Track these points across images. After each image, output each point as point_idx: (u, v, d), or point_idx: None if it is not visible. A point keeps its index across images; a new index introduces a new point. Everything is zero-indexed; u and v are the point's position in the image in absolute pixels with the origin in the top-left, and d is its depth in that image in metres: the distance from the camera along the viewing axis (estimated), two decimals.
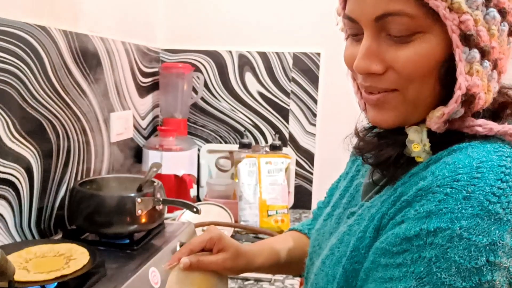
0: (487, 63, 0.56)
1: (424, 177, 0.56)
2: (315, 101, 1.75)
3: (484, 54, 0.55)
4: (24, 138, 1.04)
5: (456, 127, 0.60)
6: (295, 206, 1.77)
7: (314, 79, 1.74)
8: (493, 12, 0.54)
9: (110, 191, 1.15)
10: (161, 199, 1.07)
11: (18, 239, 1.04)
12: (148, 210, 1.06)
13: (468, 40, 0.54)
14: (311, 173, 1.79)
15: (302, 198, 1.79)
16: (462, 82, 0.55)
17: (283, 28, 1.74)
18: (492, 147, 0.55)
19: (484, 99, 0.57)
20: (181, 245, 1.10)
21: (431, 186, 0.54)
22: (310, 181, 1.80)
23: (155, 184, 1.10)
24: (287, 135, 1.78)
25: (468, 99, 0.56)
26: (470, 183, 0.52)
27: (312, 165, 1.79)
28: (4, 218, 1.00)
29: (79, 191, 1.07)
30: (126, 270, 0.94)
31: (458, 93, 0.56)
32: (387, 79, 0.59)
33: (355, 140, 0.73)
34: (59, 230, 1.17)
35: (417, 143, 0.60)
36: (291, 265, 0.90)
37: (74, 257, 0.89)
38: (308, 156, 1.79)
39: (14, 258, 0.87)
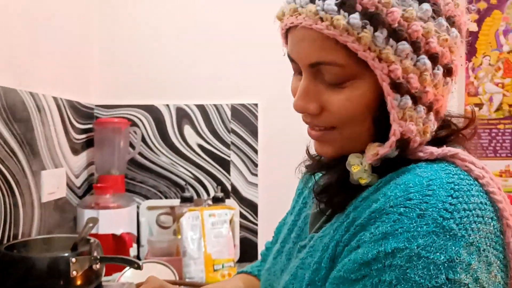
0: (421, 108, 0.58)
1: (376, 200, 0.56)
2: (256, 151, 1.76)
3: (416, 99, 0.57)
4: None
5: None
6: (242, 259, 1.71)
7: (253, 130, 1.75)
8: (424, 59, 0.56)
9: (40, 253, 1.06)
10: (98, 257, 0.99)
11: None
12: (84, 270, 0.98)
13: (398, 87, 0.56)
14: (256, 224, 1.76)
15: (248, 251, 1.74)
16: (396, 128, 0.57)
17: (220, 81, 1.76)
18: (439, 166, 0.57)
19: (420, 141, 0.59)
20: None
21: (384, 207, 0.54)
22: (255, 232, 1.76)
23: (92, 241, 1.03)
24: (229, 187, 1.75)
25: (403, 143, 0.58)
26: (423, 200, 0.52)
27: (256, 216, 1.76)
28: None
29: (6, 254, 0.97)
30: None
31: (393, 139, 0.58)
32: (323, 119, 0.62)
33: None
34: None
35: (356, 164, 0.61)
36: None
37: None
38: (252, 207, 1.76)
39: None
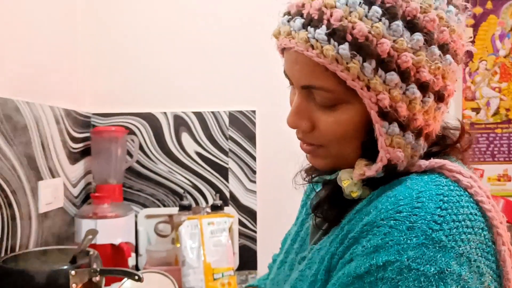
0: (409, 134, 0.58)
1: (368, 212, 0.57)
2: (254, 158, 1.75)
3: (405, 127, 0.58)
4: None
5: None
6: (241, 267, 1.71)
7: (251, 137, 1.75)
8: (413, 88, 0.56)
9: (39, 266, 1.04)
10: (98, 270, 0.98)
11: None
12: (83, 283, 0.96)
13: (386, 115, 0.57)
14: (255, 231, 1.75)
15: (247, 259, 1.73)
16: (383, 155, 0.58)
17: (217, 88, 1.75)
18: (430, 178, 0.57)
19: (406, 164, 0.60)
20: None
21: (376, 220, 0.54)
22: (254, 240, 1.75)
23: (91, 253, 1.02)
24: (227, 194, 1.74)
25: (389, 167, 0.59)
26: (412, 213, 0.53)
27: (255, 223, 1.75)
28: None
29: (3, 268, 0.96)
30: None
31: (379, 165, 0.59)
32: (313, 137, 0.63)
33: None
34: None
35: (346, 179, 0.62)
36: None
37: None
38: (250, 214, 1.75)
39: None
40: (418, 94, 0.56)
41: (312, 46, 0.56)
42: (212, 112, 1.73)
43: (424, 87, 0.57)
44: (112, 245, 1.47)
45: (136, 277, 0.93)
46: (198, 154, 1.73)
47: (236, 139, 1.74)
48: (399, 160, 0.58)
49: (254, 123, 1.74)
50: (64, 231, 1.46)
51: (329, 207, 0.66)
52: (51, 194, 1.38)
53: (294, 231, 0.80)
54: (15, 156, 1.19)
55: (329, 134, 0.61)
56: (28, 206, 1.25)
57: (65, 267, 0.96)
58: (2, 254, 1.13)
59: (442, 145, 0.64)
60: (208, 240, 1.48)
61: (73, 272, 0.95)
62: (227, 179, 1.74)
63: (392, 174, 0.59)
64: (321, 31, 0.55)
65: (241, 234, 1.73)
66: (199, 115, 1.73)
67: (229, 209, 1.72)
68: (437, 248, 0.50)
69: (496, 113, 1.96)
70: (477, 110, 1.96)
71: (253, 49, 1.73)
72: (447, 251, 0.50)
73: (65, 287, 0.94)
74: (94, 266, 0.99)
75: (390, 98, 0.55)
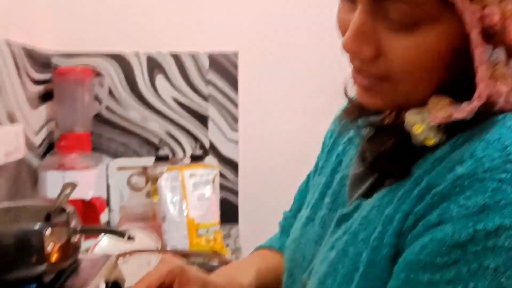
0: None
1: (459, 161, 0.44)
2: (236, 105, 1.61)
3: (510, 53, 0.45)
4: None
5: None
6: (221, 221, 1.60)
7: (233, 81, 1.60)
8: None
9: (5, 225, 0.89)
10: (78, 229, 0.84)
11: None
12: (60, 244, 0.82)
13: (490, 38, 0.44)
14: (236, 184, 1.64)
15: (227, 212, 1.62)
16: (483, 91, 0.45)
17: (196, 26, 1.57)
18: None
19: (504, 101, 0.47)
20: (106, 283, 0.89)
21: (476, 172, 0.42)
22: (235, 193, 1.64)
23: (68, 210, 0.87)
24: (207, 144, 1.61)
25: (485, 107, 0.46)
26: None
27: (237, 175, 1.64)
28: None
29: None
30: None
31: (476, 104, 0.45)
32: (378, 66, 0.48)
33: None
34: None
35: (419, 123, 0.49)
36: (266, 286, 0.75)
37: None
38: (232, 165, 1.63)
39: None
40: None
41: None
42: (191, 54, 1.56)
43: None
44: (83, 201, 1.32)
45: (127, 237, 0.80)
46: (175, 100, 1.58)
47: (217, 84, 1.59)
48: (501, 96, 0.45)
49: (236, 66, 1.59)
50: (27, 186, 1.30)
51: (394, 161, 0.52)
52: (10, 143, 1.20)
53: (320, 182, 0.67)
54: None
55: (402, 63, 0.47)
56: None
57: (39, 225, 0.81)
58: None
59: None
60: (190, 193, 1.36)
61: (48, 232, 0.80)
62: (206, 128, 1.60)
63: (482, 115, 0.47)
64: None
65: (221, 187, 1.62)
66: (176, 57, 1.56)
67: (209, 160, 1.59)
68: None
69: None
70: None
71: None
72: None
73: (39, 248, 0.80)
74: (73, 224, 0.85)
75: (501, 13, 0.42)
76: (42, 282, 0.81)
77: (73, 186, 0.85)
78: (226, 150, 1.62)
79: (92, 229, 0.85)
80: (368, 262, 0.49)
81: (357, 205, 0.56)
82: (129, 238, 0.80)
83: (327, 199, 0.64)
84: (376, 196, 0.53)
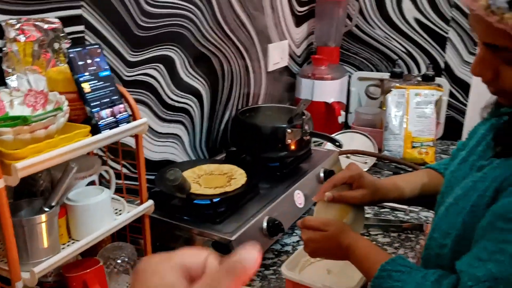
0: None
1: None
2: None
3: None
4: (196, 72, 1.23)
5: None
6: (444, 137, 1.76)
7: None
8: None
9: (265, 120, 1.31)
10: (308, 132, 1.19)
11: (192, 156, 1.28)
12: (296, 139, 1.19)
13: None
14: (465, 105, 1.74)
15: (452, 130, 1.75)
16: None
17: None
18: None
19: None
20: (324, 172, 1.23)
21: None
22: (462, 113, 1.75)
23: (304, 117, 1.22)
24: (442, 65, 1.73)
25: None
26: None
27: (467, 97, 1.73)
28: (182, 139, 1.23)
29: (240, 120, 1.25)
30: (275, 191, 1.10)
31: None
32: (496, 85, 0.67)
33: None
34: (223, 149, 1.38)
35: None
36: (424, 199, 0.95)
37: (235, 177, 1.08)
38: (463, 87, 1.72)
39: (188, 174, 1.09)
40: None
41: (493, 12, 0.58)
42: None
43: None
44: (326, 103, 1.67)
45: (337, 144, 1.11)
46: (417, 21, 1.71)
47: (462, 7, 1.64)
48: None
49: None
50: (287, 86, 1.72)
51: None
52: (278, 55, 1.61)
53: (482, 131, 0.83)
54: (250, 24, 1.41)
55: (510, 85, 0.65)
56: (259, 64, 1.50)
57: (284, 125, 1.19)
58: (240, 105, 1.44)
59: None
60: (412, 110, 1.56)
61: (289, 130, 1.18)
62: (444, 49, 1.71)
63: None
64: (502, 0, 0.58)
65: (450, 106, 1.74)
66: None
67: (441, 80, 1.72)
68: None
69: None
70: None
71: None
72: None
73: (282, 140, 1.18)
74: (306, 128, 1.20)
75: None
76: (282, 162, 1.22)
77: (307, 102, 1.19)
78: (460, 72, 1.71)
79: (317, 134, 1.19)
80: (474, 204, 0.70)
81: (491, 161, 0.73)
82: (338, 145, 1.11)
83: (480, 148, 0.80)
84: (500, 160, 0.70)
